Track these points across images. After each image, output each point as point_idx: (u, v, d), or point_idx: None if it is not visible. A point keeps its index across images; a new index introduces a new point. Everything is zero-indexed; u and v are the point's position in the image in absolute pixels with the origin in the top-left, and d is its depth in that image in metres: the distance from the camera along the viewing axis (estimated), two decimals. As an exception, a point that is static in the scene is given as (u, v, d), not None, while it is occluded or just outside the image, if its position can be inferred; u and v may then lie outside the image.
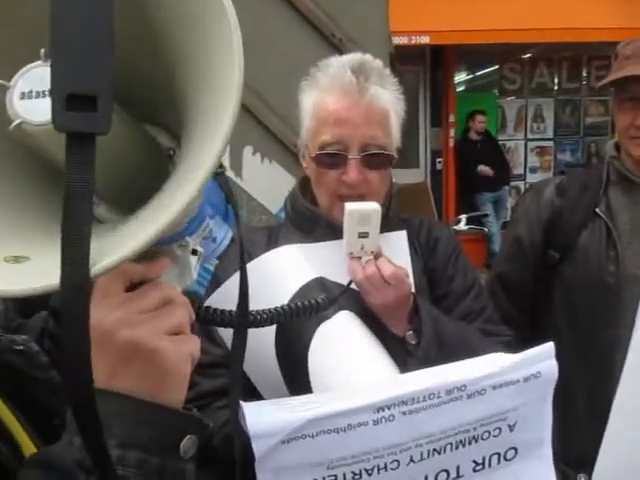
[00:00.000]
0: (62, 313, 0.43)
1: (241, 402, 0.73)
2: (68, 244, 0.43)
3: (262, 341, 0.99)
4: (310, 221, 1.17)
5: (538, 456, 0.90)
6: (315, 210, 1.17)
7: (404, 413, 0.79)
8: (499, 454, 0.87)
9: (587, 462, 1.33)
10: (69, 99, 0.43)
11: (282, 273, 1.07)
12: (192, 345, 0.55)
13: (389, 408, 0.78)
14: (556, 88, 8.11)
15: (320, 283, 1.07)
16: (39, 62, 0.48)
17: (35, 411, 0.66)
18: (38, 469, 0.51)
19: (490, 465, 0.87)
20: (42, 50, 0.47)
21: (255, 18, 1.90)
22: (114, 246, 0.47)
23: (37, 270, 0.49)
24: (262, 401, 0.82)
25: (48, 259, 0.48)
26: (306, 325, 1.00)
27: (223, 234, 0.65)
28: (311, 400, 0.82)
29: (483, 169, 7.15)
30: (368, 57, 1.14)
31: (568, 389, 0.98)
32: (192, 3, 0.50)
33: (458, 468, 0.85)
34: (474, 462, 0.86)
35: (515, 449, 0.88)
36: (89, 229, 0.43)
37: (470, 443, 0.84)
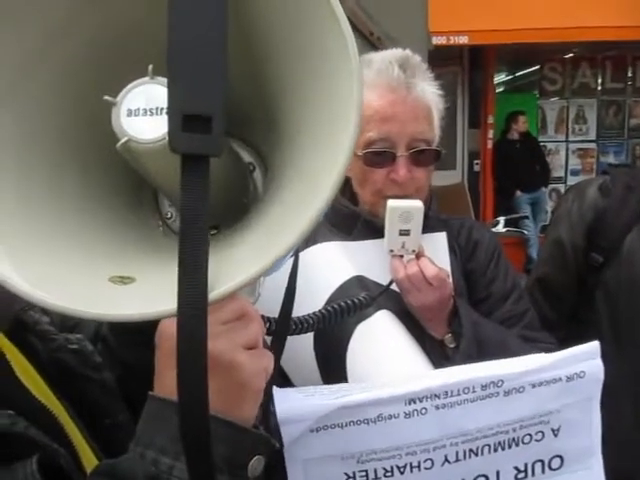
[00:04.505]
0: (182, 338, 0.43)
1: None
2: (187, 269, 0.42)
3: (301, 339, 0.99)
4: (349, 220, 1.16)
5: (588, 467, 0.85)
6: (355, 209, 1.16)
7: (437, 407, 0.77)
8: (543, 462, 0.83)
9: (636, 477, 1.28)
10: (185, 119, 0.42)
11: (323, 269, 1.07)
12: (267, 360, 0.55)
13: (421, 401, 0.77)
14: (599, 88, 7.89)
15: (360, 281, 1.07)
16: (146, 78, 0.47)
17: (86, 410, 0.66)
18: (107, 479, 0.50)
19: (534, 474, 0.83)
20: (150, 66, 0.47)
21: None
22: (226, 271, 0.46)
23: (144, 293, 0.48)
24: (292, 388, 0.81)
25: (154, 281, 0.48)
26: (345, 323, 1.00)
27: None
28: (342, 389, 0.81)
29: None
30: (409, 52, 1.12)
31: (612, 398, 0.94)
32: (310, 28, 0.48)
33: (498, 474, 0.82)
34: (516, 469, 0.83)
35: (561, 458, 0.83)
36: (207, 253, 0.43)
37: (510, 446, 0.81)
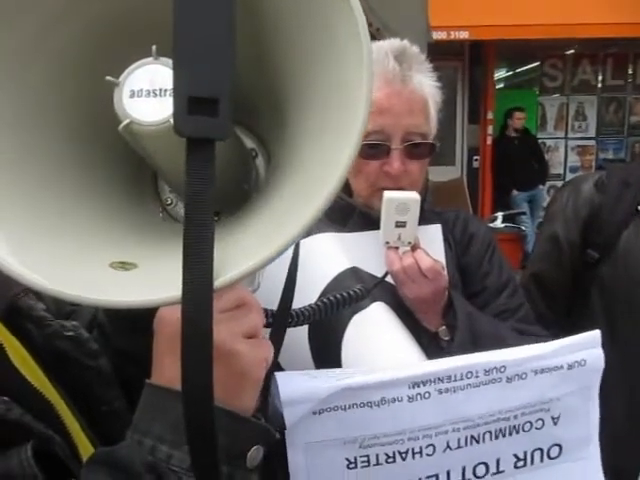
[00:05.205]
0: (186, 326, 0.42)
1: (275, 373, 0.73)
2: (192, 254, 0.42)
3: (295, 331, 0.99)
4: (344, 211, 1.16)
5: (585, 457, 0.85)
6: (350, 201, 1.16)
7: (440, 391, 0.77)
8: (542, 450, 0.83)
9: (626, 476, 1.28)
10: (190, 102, 0.41)
11: (318, 260, 1.07)
12: (267, 350, 0.54)
13: (424, 384, 0.76)
14: (600, 85, 7.88)
15: (354, 273, 1.07)
16: (149, 59, 0.46)
17: (81, 397, 0.66)
18: (107, 467, 0.49)
19: (533, 462, 0.83)
20: (154, 47, 0.46)
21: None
22: (230, 258, 0.46)
23: (145, 280, 0.47)
24: (295, 371, 0.81)
25: (154, 268, 0.47)
26: (340, 315, 1.00)
27: None
28: (345, 372, 0.81)
29: None
30: (406, 43, 1.12)
31: (606, 394, 0.94)
32: (322, 11, 0.47)
33: (498, 462, 0.82)
34: (515, 457, 0.82)
35: (560, 446, 0.83)
36: (212, 238, 0.42)
37: (511, 434, 0.80)
